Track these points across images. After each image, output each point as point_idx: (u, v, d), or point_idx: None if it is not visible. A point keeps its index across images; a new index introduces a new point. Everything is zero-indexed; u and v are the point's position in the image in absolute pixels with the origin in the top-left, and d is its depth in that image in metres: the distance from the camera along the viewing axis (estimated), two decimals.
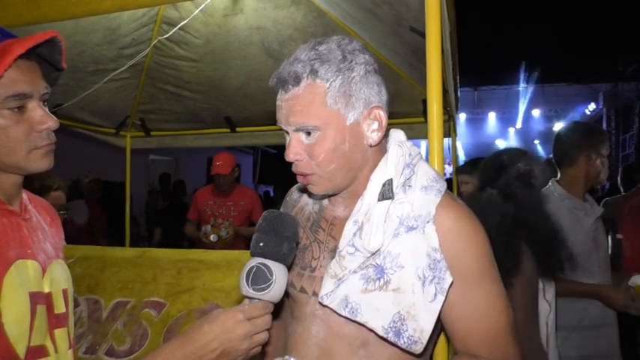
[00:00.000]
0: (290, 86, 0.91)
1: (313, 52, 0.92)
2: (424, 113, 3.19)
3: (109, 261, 2.31)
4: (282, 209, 1.18)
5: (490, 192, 1.70)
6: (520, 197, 1.66)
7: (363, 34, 2.64)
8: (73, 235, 4.18)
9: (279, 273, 0.87)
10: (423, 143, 4.56)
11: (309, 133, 0.92)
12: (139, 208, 6.68)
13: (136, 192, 4.74)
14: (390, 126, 1.02)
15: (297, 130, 0.93)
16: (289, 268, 0.93)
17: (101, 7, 1.51)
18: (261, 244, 0.89)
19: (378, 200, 0.94)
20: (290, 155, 0.94)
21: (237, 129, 3.78)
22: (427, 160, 1.32)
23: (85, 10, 1.51)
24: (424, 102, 3.04)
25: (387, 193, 0.93)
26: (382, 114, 0.95)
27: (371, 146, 0.96)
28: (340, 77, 0.90)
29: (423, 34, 1.33)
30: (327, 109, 0.90)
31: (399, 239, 0.91)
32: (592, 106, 14.11)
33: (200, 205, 3.84)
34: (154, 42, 2.69)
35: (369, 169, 0.97)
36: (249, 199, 3.85)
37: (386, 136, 1.01)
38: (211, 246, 3.52)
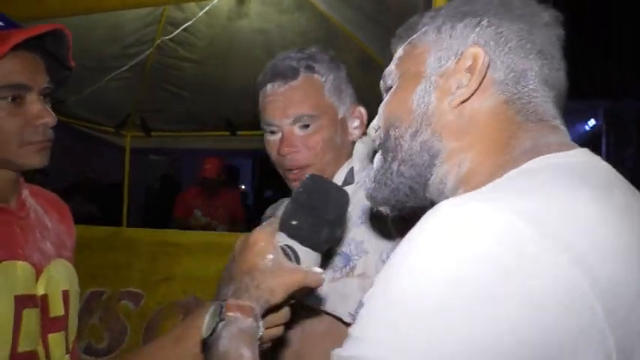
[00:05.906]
0: (288, 79, 0.93)
1: (301, 53, 0.96)
2: None
3: (79, 242, 2.24)
4: (272, 211, 1.14)
5: None
6: None
7: (365, 40, 2.64)
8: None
9: (307, 263, 0.68)
10: None
11: (306, 126, 0.92)
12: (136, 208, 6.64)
13: (134, 192, 4.72)
14: None
15: (295, 121, 0.92)
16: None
17: (105, 4, 1.51)
18: (294, 223, 0.68)
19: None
20: (285, 149, 0.92)
21: (238, 132, 3.77)
22: None
23: (89, 7, 1.50)
24: None
25: (349, 179, 0.95)
26: (363, 111, 0.99)
27: (353, 142, 1.00)
28: (333, 73, 0.95)
29: None
30: (325, 99, 0.94)
31: (363, 227, 0.91)
32: (592, 121, 14.13)
33: (190, 204, 4.02)
34: (157, 42, 2.68)
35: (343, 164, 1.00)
36: (233, 199, 4.17)
37: None
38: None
